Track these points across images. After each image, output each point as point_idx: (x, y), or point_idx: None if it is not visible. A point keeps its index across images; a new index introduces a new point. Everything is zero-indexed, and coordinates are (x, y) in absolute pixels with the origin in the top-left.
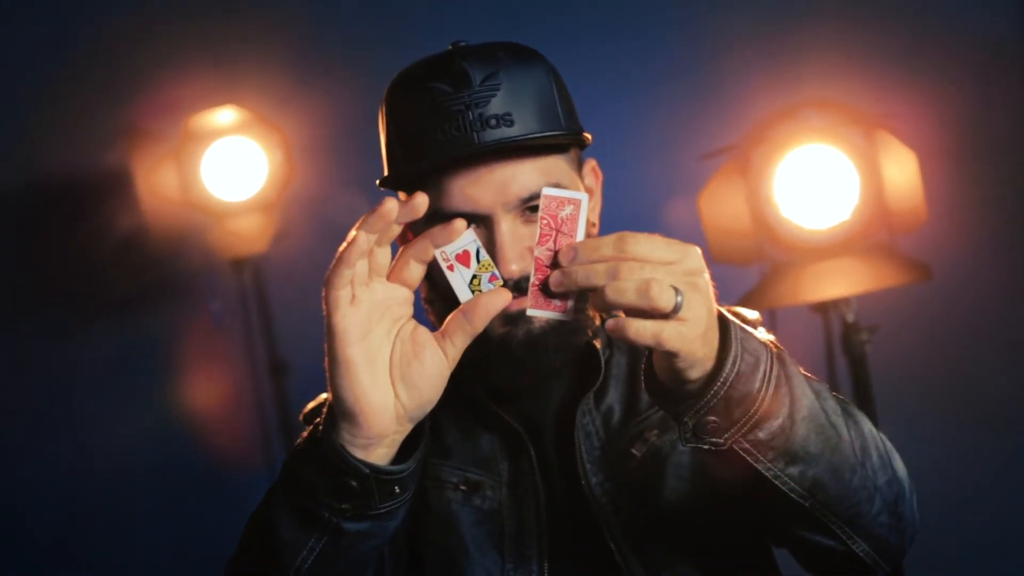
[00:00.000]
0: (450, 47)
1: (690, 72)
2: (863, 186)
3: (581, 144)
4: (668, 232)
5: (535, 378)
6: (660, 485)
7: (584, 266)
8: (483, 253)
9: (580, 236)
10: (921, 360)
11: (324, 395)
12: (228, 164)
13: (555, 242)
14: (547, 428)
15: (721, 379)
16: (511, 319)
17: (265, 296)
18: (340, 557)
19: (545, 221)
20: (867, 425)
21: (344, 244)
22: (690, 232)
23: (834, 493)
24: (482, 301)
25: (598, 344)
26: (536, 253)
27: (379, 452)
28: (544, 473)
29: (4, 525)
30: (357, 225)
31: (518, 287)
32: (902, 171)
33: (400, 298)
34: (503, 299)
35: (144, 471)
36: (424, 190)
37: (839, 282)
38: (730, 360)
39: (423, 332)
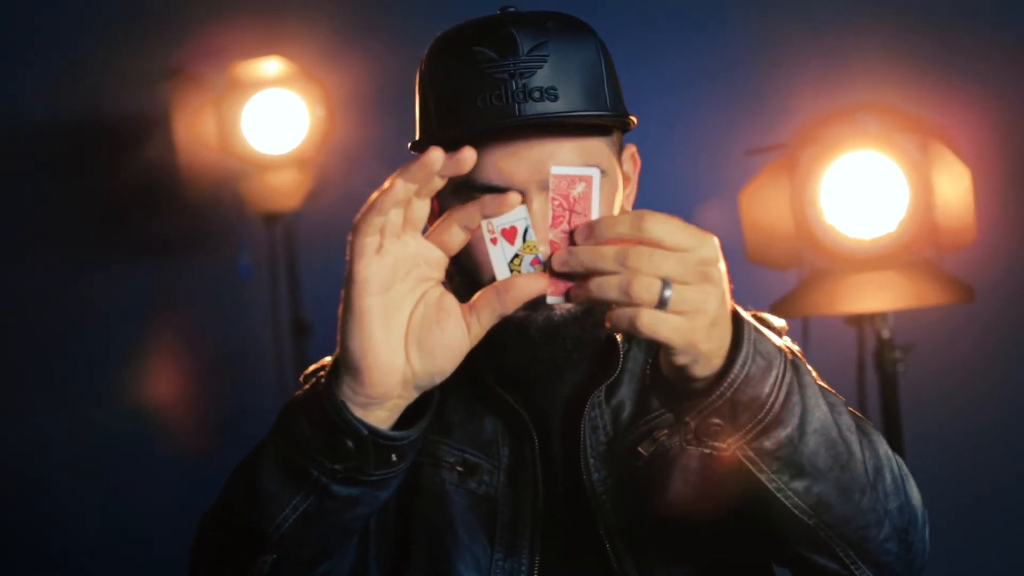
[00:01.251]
0: (499, 11)
1: (743, 66)
2: (912, 199)
3: (625, 127)
4: (702, 227)
5: (549, 368)
6: (664, 487)
7: (593, 249)
8: (531, 233)
9: (595, 214)
10: (954, 384)
11: (328, 358)
12: (269, 116)
13: (569, 222)
14: (555, 418)
15: (728, 380)
16: (532, 303)
17: (294, 254)
18: (324, 521)
19: (557, 201)
20: (883, 446)
21: (378, 191)
22: (727, 229)
23: (840, 513)
24: (519, 283)
25: (619, 337)
26: (550, 236)
27: (379, 414)
28: (546, 464)
29: (27, 464)
30: (396, 174)
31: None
32: (954, 187)
33: (433, 259)
34: (539, 286)
35: (153, 422)
36: None
37: (878, 296)
38: (739, 360)
39: (450, 300)
